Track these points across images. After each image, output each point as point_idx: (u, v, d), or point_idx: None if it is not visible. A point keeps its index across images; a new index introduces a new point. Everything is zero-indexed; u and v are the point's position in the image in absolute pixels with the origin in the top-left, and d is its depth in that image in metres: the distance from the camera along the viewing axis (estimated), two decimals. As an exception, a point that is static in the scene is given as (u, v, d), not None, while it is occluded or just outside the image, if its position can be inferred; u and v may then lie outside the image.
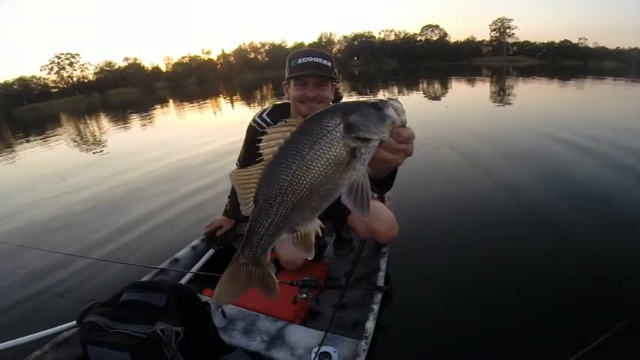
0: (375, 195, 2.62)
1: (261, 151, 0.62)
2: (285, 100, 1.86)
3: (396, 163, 0.67)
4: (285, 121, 0.62)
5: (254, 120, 1.89)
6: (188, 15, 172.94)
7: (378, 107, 0.61)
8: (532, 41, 67.16)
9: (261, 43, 71.69)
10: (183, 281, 1.81)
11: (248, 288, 0.69)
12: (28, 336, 1.49)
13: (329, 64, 1.61)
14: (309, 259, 0.70)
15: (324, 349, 1.35)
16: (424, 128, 6.30)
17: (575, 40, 62.24)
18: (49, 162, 7.26)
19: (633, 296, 1.90)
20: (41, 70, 55.41)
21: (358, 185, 0.61)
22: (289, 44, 68.38)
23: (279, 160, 0.60)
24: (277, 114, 1.84)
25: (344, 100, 1.97)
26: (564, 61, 53.19)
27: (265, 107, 1.94)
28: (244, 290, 0.70)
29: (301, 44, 68.42)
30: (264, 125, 1.85)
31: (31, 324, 1.54)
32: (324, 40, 71.00)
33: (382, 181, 0.85)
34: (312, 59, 1.57)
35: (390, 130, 0.61)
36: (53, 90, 55.14)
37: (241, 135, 1.97)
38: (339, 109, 0.61)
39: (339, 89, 1.88)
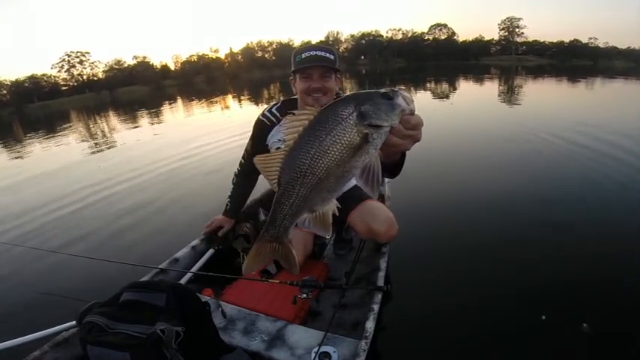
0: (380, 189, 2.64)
1: (284, 138, 0.67)
2: (294, 96, 1.88)
3: (405, 148, 0.73)
4: (305, 109, 0.67)
5: (263, 114, 1.91)
6: (196, 14, 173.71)
7: (389, 97, 0.66)
8: (541, 40, 66.47)
9: (268, 41, 71.90)
10: (183, 281, 1.81)
11: (272, 260, 0.79)
12: (27, 336, 1.49)
13: (332, 56, 1.66)
14: (327, 237, 0.76)
15: (324, 349, 1.34)
16: (429, 126, 6.28)
17: (585, 40, 61.51)
18: (50, 160, 7.32)
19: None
20: (52, 68, 56.04)
21: (371, 167, 0.67)
22: (296, 43, 68.31)
23: (299, 146, 0.65)
24: (286, 108, 1.87)
25: None
26: (574, 60, 52.48)
27: (274, 102, 1.96)
28: (267, 262, 0.82)
29: (308, 43, 68.15)
30: (273, 119, 1.88)
31: (31, 324, 1.54)
32: (331, 38, 70.73)
33: (392, 166, 0.92)
34: (315, 53, 1.64)
35: (399, 117, 0.66)
36: (63, 88, 55.65)
37: (246, 133, 1.98)
38: (353, 99, 0.66)
39: (341, 88, 1.89)
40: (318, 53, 1.64)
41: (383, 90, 0.67)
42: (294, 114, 0.68)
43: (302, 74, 1.65)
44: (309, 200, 0.68)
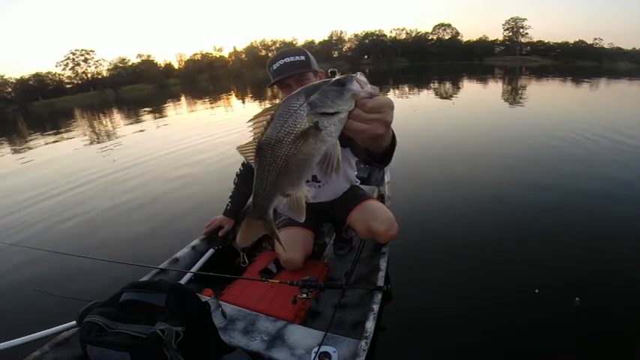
0: (375, 191, 2.65)
1: (251, 132, 0.73)
2: None
3: (374, 132, 0.71)
4: (267, 108, 0.72)
5: None
6: (200, 12, 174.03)
7: (341, 83, 0.67)
8: (546, 41, 66.14)
9: (272, 40, 71.90)
10: (183, 281, 1.81)
11: (261, 235, 0.86)
12: (27, 336, 1.48)
13: (303, 57, 1.63)
14: (300, 222, 0.80)
15: (324, 349, 1.35)
16: (429, 126, 6.29)
17: (590, 41, 61.11)
18: (50, 159, 7.28)
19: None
20: (56, 66, 56.20)
21: (328, 154, 0.70)
22: (300, 42, 68.43)
23: (263, 138, 0.71)
24: None
25: None
26: (578, 61, 52.15)
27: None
28: (258, 236, 0.87)
29: (312, 42, 68.41)
30: None
31: (31, 324, 1.54)
32: (334, 38, 70.76)
33: (379, 154, 0.92)
34: (284, 61, 1.61)
35: (351, 102, 0.67)
36: (68, 86, 55.91)
37: (246, 132, 1.98)
38: (304, 90, 0.68)
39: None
40: (288, 60, 1.61)
41: (337, 77, 0.68)
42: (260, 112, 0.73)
43: (279, 85, 1.64)
44: (279, 185, 0.74)
